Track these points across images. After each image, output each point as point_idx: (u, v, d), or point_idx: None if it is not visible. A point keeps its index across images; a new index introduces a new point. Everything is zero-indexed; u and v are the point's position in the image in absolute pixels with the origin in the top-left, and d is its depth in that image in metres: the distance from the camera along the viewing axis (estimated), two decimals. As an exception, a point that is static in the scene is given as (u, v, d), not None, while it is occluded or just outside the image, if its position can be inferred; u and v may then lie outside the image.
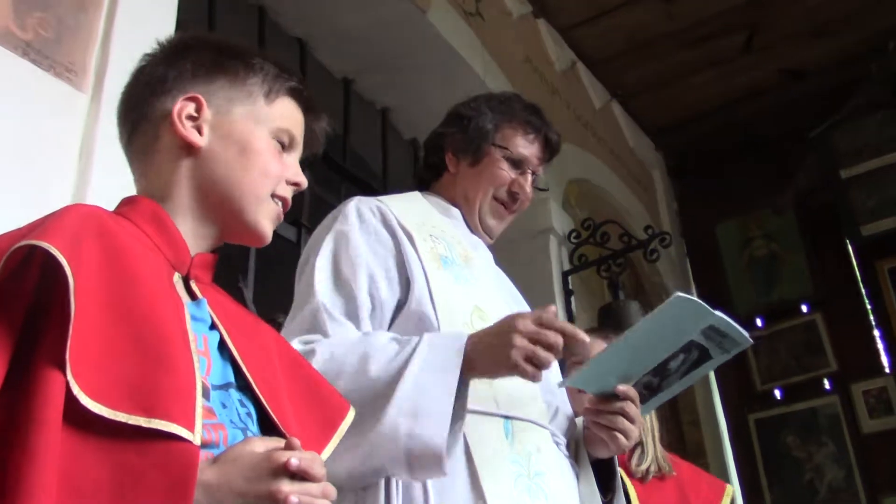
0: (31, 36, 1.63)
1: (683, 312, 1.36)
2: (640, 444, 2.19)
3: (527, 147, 1.69)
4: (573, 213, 3.81)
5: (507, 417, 1.39)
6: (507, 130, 1.69)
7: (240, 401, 0.94)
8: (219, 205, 1.02)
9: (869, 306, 4.45)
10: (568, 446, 1.51)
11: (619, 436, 1.43)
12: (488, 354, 1.28)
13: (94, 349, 0.77)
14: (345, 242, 1.48)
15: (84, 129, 1.66)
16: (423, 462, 1.24)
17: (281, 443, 0.85)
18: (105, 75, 1.72)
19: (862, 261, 4.52)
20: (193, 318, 0.93)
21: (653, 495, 2.11)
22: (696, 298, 1.36)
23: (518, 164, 1.68)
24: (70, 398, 0.74)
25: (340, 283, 1.45)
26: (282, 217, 1.07)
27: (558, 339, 1.26)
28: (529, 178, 1.68)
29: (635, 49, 4.46)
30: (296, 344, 1.34)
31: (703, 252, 5.04)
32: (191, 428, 0.77)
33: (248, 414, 0.93)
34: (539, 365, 1.25)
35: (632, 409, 1.42)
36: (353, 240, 1.48)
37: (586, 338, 1.29)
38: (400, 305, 1.46)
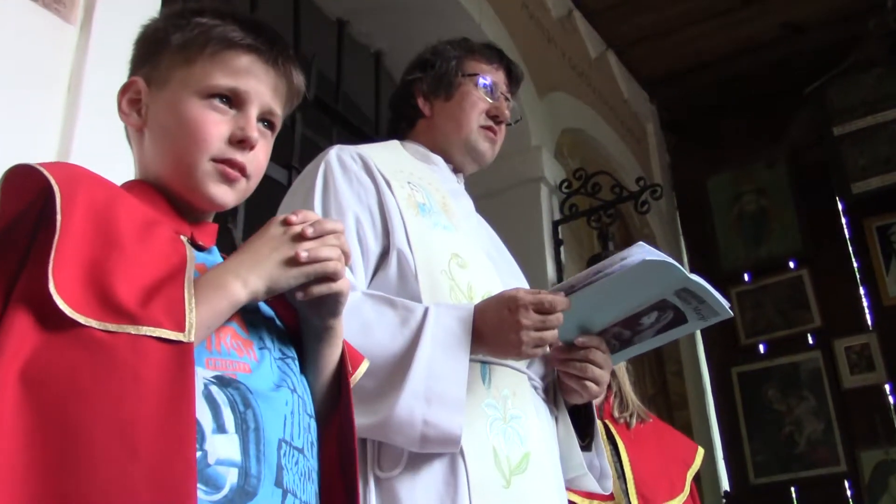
0: (18, -35, 1.60)
1: (653, 272, 1.33)
2: (618, 394, 2.26)
3: (493, 73, 1.73)
4: (565, 163, 3.79)
5: (483, 362, 1.40)
6: (470, 63, 1.73)
7: (270, 319, 1.01)
8: (169, 180, 1.01)
9: (856, 264, 4.48)
10: (546, 390, 1.53)
11: (589, 384, 1.45)
12: (499, 345, 1.35)
13: (81, 264, 0.80)
14: (331, 189, 1.50)
15: (73, 61, 1.63)
16: (437, 445, 1.28)
17: None
18: (94, 7, 1.67)
19: (850, 218, 4.54)
20: (207, 262, 0.96)
21: (637, 440, 2.19)
22: (668, 259, 1.33)
23: (490, 90, 1.71)
24: (56, 311, 0.76)
25: None
26: (233, 176, 1.00)
27: (559, 319, 1.34)
28: (504, 102, 1.73)
29: (633, -2, 4.41)
30: None
31: (694, 205, 5.06)
32: (181, 329, 0.80)
33: (271, 328, 1.00)
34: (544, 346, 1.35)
35: (598, 355, 1.44)
36: (338, 186, 1.50)
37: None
38: (383, 252, 1.47)
